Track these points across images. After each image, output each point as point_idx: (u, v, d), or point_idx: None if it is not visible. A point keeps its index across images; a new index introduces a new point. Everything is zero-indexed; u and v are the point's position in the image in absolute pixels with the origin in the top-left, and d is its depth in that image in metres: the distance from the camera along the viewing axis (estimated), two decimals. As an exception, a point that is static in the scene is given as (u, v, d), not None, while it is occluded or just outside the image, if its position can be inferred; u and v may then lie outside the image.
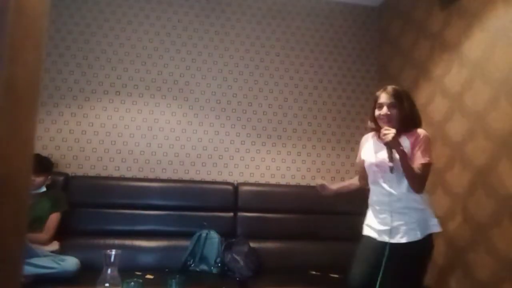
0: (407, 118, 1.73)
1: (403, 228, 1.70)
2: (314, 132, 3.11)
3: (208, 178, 2.92)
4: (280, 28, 3.15)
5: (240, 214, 2.71)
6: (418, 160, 1.68)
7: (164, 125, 2.90)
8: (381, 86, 2.81)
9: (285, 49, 3.14)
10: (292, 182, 3.02)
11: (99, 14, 2.91)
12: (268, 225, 2.71)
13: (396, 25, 3.02)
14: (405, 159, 1.65)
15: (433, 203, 2.36)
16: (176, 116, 2.93)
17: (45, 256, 2.07)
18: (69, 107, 2.80)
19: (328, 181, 3.06)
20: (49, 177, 2.38)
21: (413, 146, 1.70)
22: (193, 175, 2.90)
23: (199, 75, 3.00)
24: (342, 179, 3.08)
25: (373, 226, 1.83)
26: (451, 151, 2.26)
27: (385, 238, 1.73)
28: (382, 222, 1.77)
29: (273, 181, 3.00)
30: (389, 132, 1.64)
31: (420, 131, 1.73)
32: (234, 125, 3.01)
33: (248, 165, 2.99)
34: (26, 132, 0.48)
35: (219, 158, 2.96)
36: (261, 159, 3.01)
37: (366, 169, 1.87)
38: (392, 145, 1.66)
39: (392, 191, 1.74)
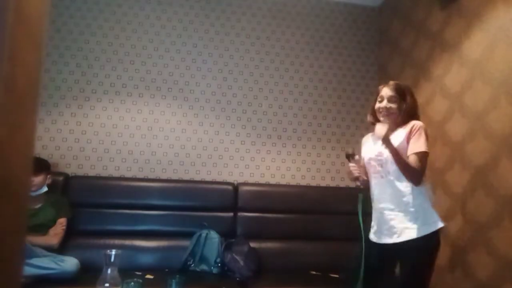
0: (406, 113, 1.74)
1: (399, 225, 1.67)
2: (314, 132, 3.11)
3: (208, 178, 2.92)
4: (280, 28, 3.15)
5: (240, 214, 2.71)
6: (412, 150, 1.66)
7: (164, 125, 2.90)
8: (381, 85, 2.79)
9: (285, 49, 3.14)
10: (292, 182, 3.02)
11: (99, 14, 2.91)
12: (268, 225, 2.71)
13: (396, 25, 3.02)
14: (396, 152, 1.63)
15: (433, 203, 2.36)
16: (176, 116, 2.93)
17: (44, 256, 2.07)
18: (69, 107, 2.80)
19: (328, 181, 3.07)
20: (49, 176, 2.38)
21: (408, 137, 1.69)
22: (193, 175, 2.90)
23: (199, 75, 3.00)
24: (342, 179, 3.09)
25: (372, 225, 1.83)
26: (451, 151, 2.26)
27: (383, 239, 1.74)
28: (379, 221, 1.77)
29: (273, 181, 3.00)
30: (381, 129, 1.65)
31: (415, 122, 1.71)
32: (234, 125, 3.01)
33: (248, 165, 2.99)
34: (26, 132, 0.48)
35: (219, 158, 2.96)
36: (261, 159, 3.01)
37: (366, 165, 1.86)
38: (383, 142, 1.65)
39: (388, 184, 1.72)
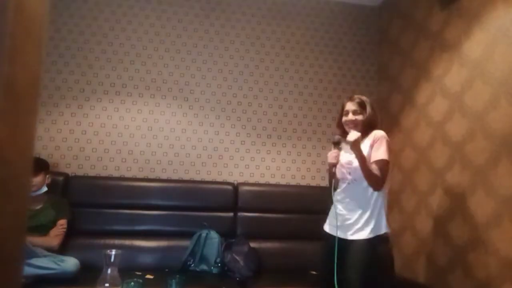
0: (369, 123, 1.92)
1: (354, 226, 1.86)
2: (314, 132, 3.11)
3: (208, 178, 2.92)
4: (280, 28, 3.15)
5: (240, 214, 2.71)
6: (374, 158, 1.83)
7: (164, 125, 2.90)
8: (381, 85, 2.85)
9: (285, 49, 3.14)
10: (292, 182, 3.02)
11: (99, 14, 2.91)
12: (268, 225, 2.71)
13: (396, 25, 3.02)
14: (364, 160, 1.80)
15: (433, 203, 2.37)
16: (176, 116, 2.93)
17: (44, 256, 2.07)
18: (69, 107, 2.80)
19: (328, 181, 3.07)
20: (48, 176, 2.38)
21: (371, 146, 1.87)
22: (193, 175, 2.90)
23: (199, 75, 3.00)
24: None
25: (331, 221, 2.00)
26: (451, 151, 2.26)
27: (337, 233, 1.89)
28: (339, 219, 1.93)
29: (273, 181, 3.00)
30: (356, 135, 1.80)
31: (378, 132, 1.89)
32: (234, 125, 3.01)
33: (248, 165, 2.99)
34: (26, 133, 0.48)
35: (219, 158, 2.96)
36: (261, 159, 3.01)
37: (337, 169, 1.98)
38: (352, 146, 1.80)
39: (353, 190, 1.90)
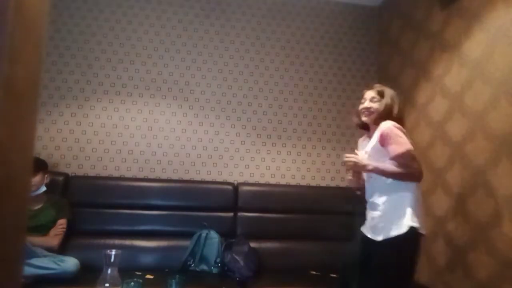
0: (384, 114, 1.79)
1: (380, 225, 1.75)
2: (314, 132, 3.11)
3: (208, 178, 2.92)
4: (280, 28, 3.15)
5: (240, 214, 2.71)
6: (396, 152, 1.67)
7: (164, 125, 2.90)
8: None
9: (285, 49, 3.14)
10: (292, 182, 3.02)
11: (99, 14, 2.91)
12: (268, 225, 2.70)
13: (396, 25, 3.02)
14: (381, 171, 1.71)
15: (433, 203, 2.37)
16: (176, 116, 2.93)
17: (44, 256, 2.07)
18: (69, 107, 2.80)
19: (328, 181, 3.07)
20: (46, 175, 2.37)
21: (382, 143, 1.72)
22: (193, 175, 2.90)
23: (199, 75, 3.00)
24: (342, 179, 3.09)
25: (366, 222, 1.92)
26: (451, 151, 2.26)
27: (368, 235, 1.84)
28: (367, 219, 1.87)
29: (273, 181, 3.00)
30: (349, 159, 1.75)
31: (384, 125, 1.73)
32: (234, 125, 3.01)
33: (248, 165, 2.99)
34: (26, 133, 0.48)
35: (219, 158, 2.96)
36: (261, 159, 3.01)
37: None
38: (360, 170, 1.78)
39: (375, 188, 1.81)
